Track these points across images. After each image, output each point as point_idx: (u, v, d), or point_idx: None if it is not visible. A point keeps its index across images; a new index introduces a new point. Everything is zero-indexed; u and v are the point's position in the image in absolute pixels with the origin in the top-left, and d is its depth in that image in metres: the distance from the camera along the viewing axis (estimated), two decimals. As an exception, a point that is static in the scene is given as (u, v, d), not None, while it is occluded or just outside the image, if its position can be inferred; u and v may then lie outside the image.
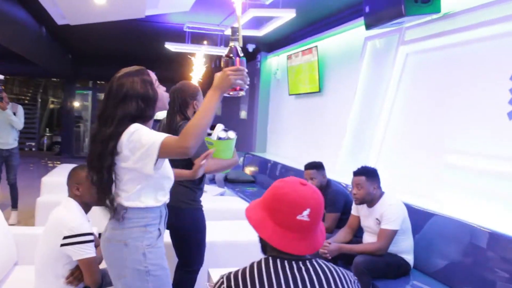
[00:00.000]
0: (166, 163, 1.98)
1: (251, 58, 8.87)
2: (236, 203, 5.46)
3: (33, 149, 15.73)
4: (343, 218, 3.97)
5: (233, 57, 1.73)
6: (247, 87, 1.77)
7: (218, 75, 1.73)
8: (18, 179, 6.05)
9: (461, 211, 3.61)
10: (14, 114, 5.81)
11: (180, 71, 11.82)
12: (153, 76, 1.97)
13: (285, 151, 7.96)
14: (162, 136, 1.75)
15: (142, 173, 1.82)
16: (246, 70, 1.74)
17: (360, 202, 3.47)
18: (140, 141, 1.77)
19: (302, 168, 6.35)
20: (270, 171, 7.39)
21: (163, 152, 1.74)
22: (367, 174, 3.44)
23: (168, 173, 1.99)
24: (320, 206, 1.38)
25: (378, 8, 4.17)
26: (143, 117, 1.89)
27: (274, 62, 8.68)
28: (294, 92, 7.49)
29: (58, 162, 12.97)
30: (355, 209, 3.69)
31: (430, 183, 4.30)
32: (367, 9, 4.34)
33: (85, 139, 15.41)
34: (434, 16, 4.11)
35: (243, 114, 10.54)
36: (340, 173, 5.56)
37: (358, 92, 5.57)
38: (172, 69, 11.43)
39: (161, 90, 1.97)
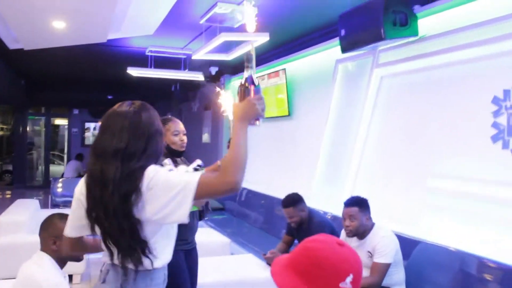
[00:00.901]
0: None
1: (214, 80, 8.69)
2: (209, 236, 5.19)
3: (-20, 179, 14.86)
4: (328, 249, 3.79)
5: (249, 86, 1.67)
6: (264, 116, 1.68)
7: (239, 105, 1.64)
8: None
9: (446, 237, 3.53)
10: None
11: (143, 95, 11.53)
12: None
13: (254, 176, 7.73)
14: (195, 175, 1.53)
15: (163, 223, 1.59)
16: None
17: (353, 234, 3.30)
18: (166, 182, 1.51)
19: (274, 194, 6.26)
20: (240, 197, 7.18)
21: (200, 192, 1.50)
22: (360, 204, 3.29)
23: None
24: (361, 269, 1.19)
25: (355, 31, 4.09)
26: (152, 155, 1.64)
27: (238, 84, 8.51)
28: (261, 116, 7.32)
29: (9, 192, 12.28)
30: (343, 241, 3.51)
31: (411, 209, 4.20)
32: (342, 32, 4.25)
33: (38, 166, 14.70)
34: (411, 38, 4.06)
35: (205, 137, 10.30)
36: (315, 198, 5.41)
37: (330, 116, 5.46)
38: (136, 93, 11.11)
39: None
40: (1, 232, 4.92)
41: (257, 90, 1.67)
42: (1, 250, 4.63)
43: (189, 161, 2.96)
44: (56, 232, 2.12)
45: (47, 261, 2.11)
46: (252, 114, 1.60)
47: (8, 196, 11.87)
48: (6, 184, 14.10)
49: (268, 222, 6.18)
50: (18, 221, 4.81)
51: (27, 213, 5.13)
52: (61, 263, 2.16)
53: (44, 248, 2.16)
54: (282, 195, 5.78)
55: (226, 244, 4.97)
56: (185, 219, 1.51)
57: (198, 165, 2.81)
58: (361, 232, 3.30)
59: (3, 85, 9.42)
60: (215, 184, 1.51)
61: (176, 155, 2.92)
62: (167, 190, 1.50)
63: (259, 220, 6.45)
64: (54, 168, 15.07)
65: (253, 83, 1.67)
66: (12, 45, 6.43)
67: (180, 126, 2.90)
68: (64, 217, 2.14)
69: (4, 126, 17.12)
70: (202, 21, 5.11)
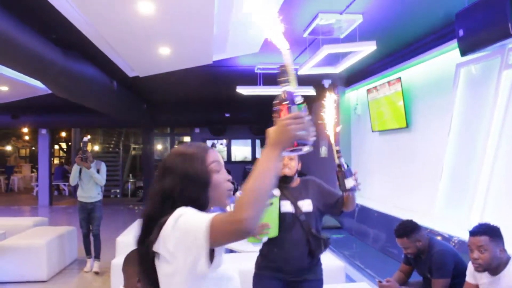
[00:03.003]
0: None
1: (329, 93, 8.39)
2: (323, 259, 4.86)
3: (118, 195, 16.04)
4: (453, 283, 3.29)
5: (289, 105, 1.28)
6: (312, 140, 1.28)
7: (272, 129, 1.26)
8: (103, 229, 6.34)
9: None
10: (98, 171, 6.14)
11: (258, 111, 11.66)
12: (212, 157, 1.44)
13: (372, 192, 7.28)
14: (210, 215, 1.24)
15: (194, 276, 1.27)
16: (309, 117, 1.27)
17: (484, 269, 2.77)
18: (184, 228, 1.24)
19: (391, 212, 5.76)
20: (358, 215, 6.73)
21: (215, 237, 1.20)
22: (491, 233, 2.75)
23: (228, 272, 1.39)
24: None
25: (476, 30, 3.55)
26: (189, 201, 1.35)
27: (353, 96, 8.12)
28: (377, 128, 6.86)
29: (140, 208, 13.04)
30: (472, 276, 2.99)
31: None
32: (461, 32, 3.73)
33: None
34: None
35: (323, 151, 9.99)
36: (438, 219, 4.85)
37: (453, 126, 4.87)
38: (251, 109, 11.28)
39: (221, 177, 1.44)
40: (118, 252, 5.19)
41: (294, 108, 1.29)
42: (116, 269, 4.85)
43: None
44: None
45: None
46: (285, 137, 1.23)
47: (137, 211, 12.62)
48: (138, 200, 15.06)
49: (389, 242, 5.68)
50: (133, 243, 4.99)
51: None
52: None
53: (128, 285, 2.04)
54: (400, 214, 5.35)
55: (341, 269, 4.61)
56: (205, 271, 1.24)
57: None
58: (494, 267, 2.77)
59: (130, 110, 10.07)
60: (225, 224, 1.20)
61: (282, 182, 2.91)
62: (185, 237, 1.25)
63: (380, 240, 5.97)
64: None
65: (293, 102, 1.30)
66: (130, 73, 6.80)
67: None
68: None
69: (137, 146, 18.42)
70: (305, 34, 4.89)
